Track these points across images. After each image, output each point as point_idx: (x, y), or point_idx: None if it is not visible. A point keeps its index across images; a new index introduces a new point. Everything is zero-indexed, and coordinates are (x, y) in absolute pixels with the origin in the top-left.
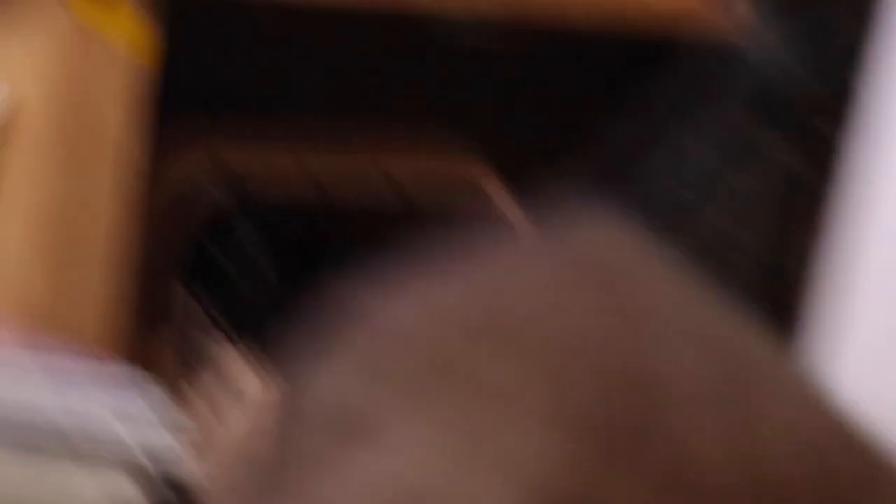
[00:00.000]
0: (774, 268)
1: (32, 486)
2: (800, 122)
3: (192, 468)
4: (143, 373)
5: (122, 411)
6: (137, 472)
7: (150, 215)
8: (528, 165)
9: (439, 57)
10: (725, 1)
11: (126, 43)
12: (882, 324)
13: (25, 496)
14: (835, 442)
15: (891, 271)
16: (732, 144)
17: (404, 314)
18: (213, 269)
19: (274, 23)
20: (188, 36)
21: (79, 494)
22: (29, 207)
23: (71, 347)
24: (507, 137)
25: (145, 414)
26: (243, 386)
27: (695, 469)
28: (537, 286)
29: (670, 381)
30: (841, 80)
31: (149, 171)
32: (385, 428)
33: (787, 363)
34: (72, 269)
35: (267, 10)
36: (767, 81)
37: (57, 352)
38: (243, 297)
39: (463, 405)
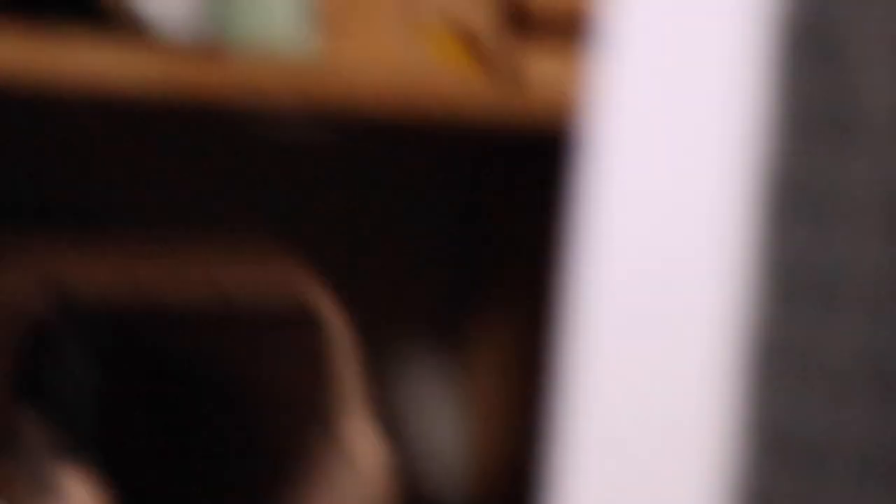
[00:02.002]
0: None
1: None
2: None
3: None
4: None
5: None
6: None
7: None
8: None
9: (254, 155)
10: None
11: None
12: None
13: None
14: None
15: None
16: None
17: None
18: (39, 383)
19: (83, 125)
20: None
21: None
22: None
23: None
24: (330, 239)
25: None
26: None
27: None
28: None
29: None
30: None
31: None
32: None
33: None
34: None
35: (77, 113)
36: None
37: None
38: (72, 410)
39: None
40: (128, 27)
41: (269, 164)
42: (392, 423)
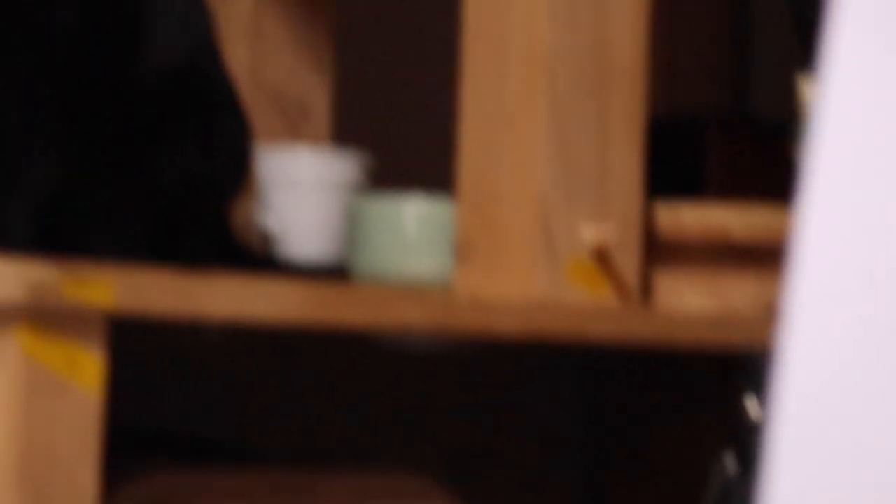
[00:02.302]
0: None
1: None
2: None
3: None
4: None
5: None
6: None
7: None
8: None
9: (380, 368)
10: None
11: (82, 381)
12: None
13: None
14: None
15: None
16: None
17: None
18: None
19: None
20: (132, 371)
21: None
22: None
23: None
24: (453, 450)
25: None
26: None
27: None
28: None
29: None
30: None
31: None
32: None
33: None
34: None
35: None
36: None
37: None
38: None
39: None
40: (268, 265)
41: (393, 376)
42: None
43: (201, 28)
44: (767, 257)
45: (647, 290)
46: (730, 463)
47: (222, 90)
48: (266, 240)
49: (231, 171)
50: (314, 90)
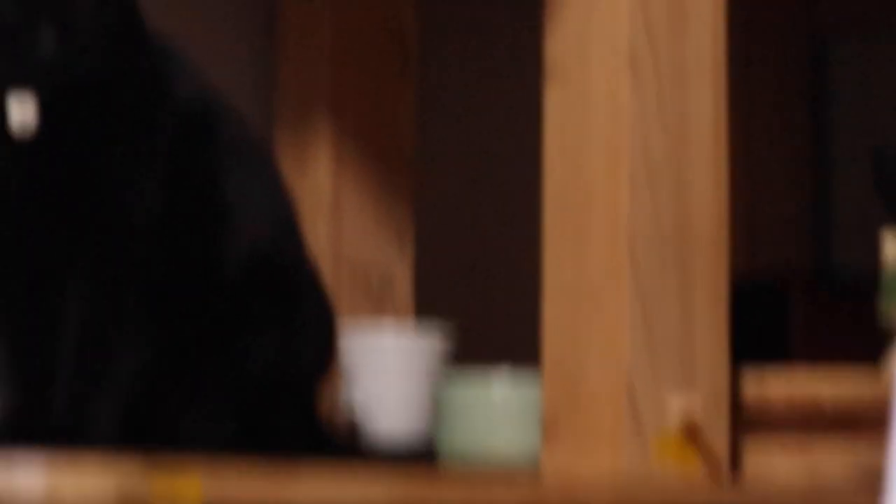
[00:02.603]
0: None
1: None
2: None
3: None
4: None
5: None
6: None
7: None
8: None
9: None
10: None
11: None
12: None
13: None
14: None
15: None
16: None
17: None
18: None
19: None
20: None
21: None
22: None
23: None
24: None
25: None
26: None
27: None
28: None
29: None
30: None
31: None
32: None
33: None
34: None
35: None
36: None
37: None
38: None
39: None
40: (355, 450)
41: None
42: None
43: (284, 212)
44: (859, 423)
45: (735, 460)
46: None
47: (305, 274)
48: (352, 419)
49: (316, 356)
50: (396, 263)
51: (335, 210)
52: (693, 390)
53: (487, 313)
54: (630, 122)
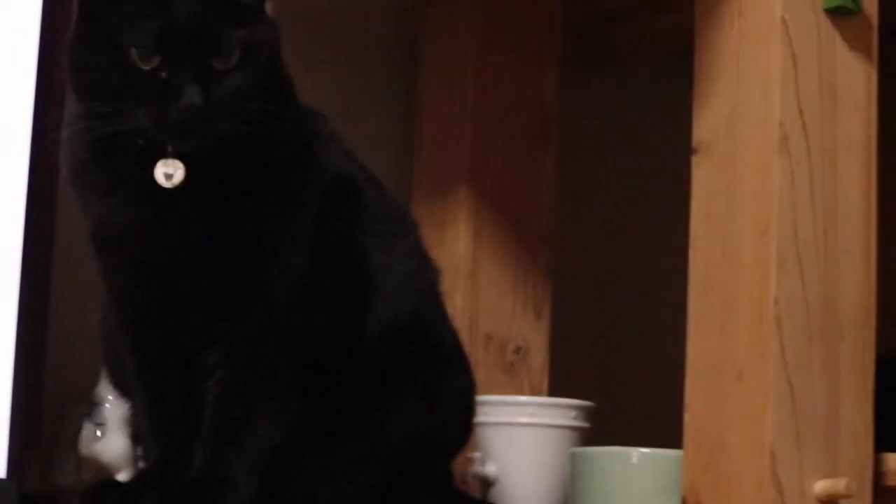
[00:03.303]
0: None
1: None
2: None
3: None
4: None
5: None
6: None
7: None
8: None
9: None
10: None
11: None
12: None
13: None
14: None
15: None
16: None
17: None
18: None
19: None
20: None
21: None
22: None
23: None
24: None
25: None
26: None
27: None
28: None
29: None
30: None
31: None
32: None
33: None
34: None
35: None
36: None
37: None
38: None
39: None
40: None
41: None
42: None
43: (427, 282)
44: None
45: None
46: None
47: (447, 343)
48: (486, 487)
49: (456, 428)
50: (532, 335)
51: (472, 280)
52: (837, 471)
53: (624, 389)
54: (779, 200)
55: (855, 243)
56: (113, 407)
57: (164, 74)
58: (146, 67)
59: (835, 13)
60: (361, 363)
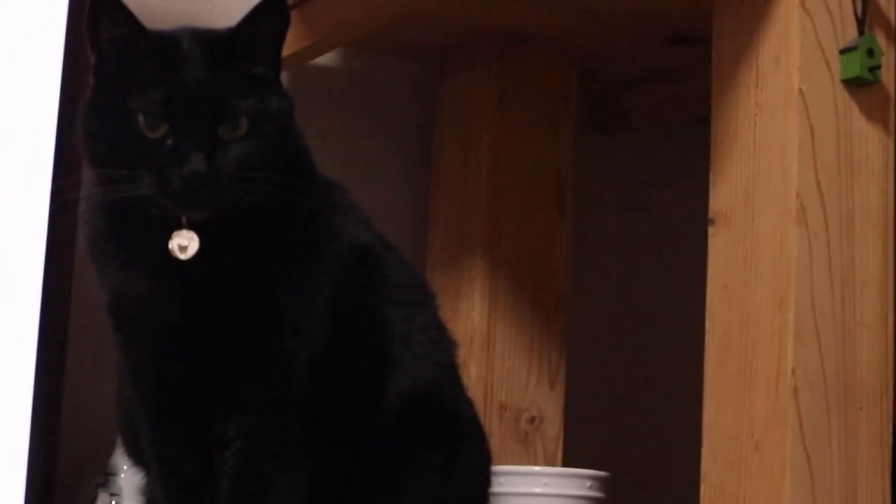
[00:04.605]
0: None
1: None
2: None
3: None
4: None
5: None
6: None
7: None
8: None
9: None
10: None
11: None
12: None
13: None
14: None
15: None
16: None
17: None
18: None
19: None
20: None
21: None
22: None
23: None
24: None
25: None
26: None
27: None
28: None
29: None
30: None
31: None
32: None
33: None
34: None
35: None
36: None
37: None
38: None
39: None
40: None
41: None
42: None
43: (445, 354)
44: None
45: None
46: None
47: (464, 415)
48: None
49: (473, 498)
50: (546, 405)
51: (487, 351)
52: None
53: (639, 459)
54: (797, 271)
55: (872, 314)
56: (127, 477)
57: (170, 142)
58: (153, 135)
59: (852, 84)
60: (379, 434)
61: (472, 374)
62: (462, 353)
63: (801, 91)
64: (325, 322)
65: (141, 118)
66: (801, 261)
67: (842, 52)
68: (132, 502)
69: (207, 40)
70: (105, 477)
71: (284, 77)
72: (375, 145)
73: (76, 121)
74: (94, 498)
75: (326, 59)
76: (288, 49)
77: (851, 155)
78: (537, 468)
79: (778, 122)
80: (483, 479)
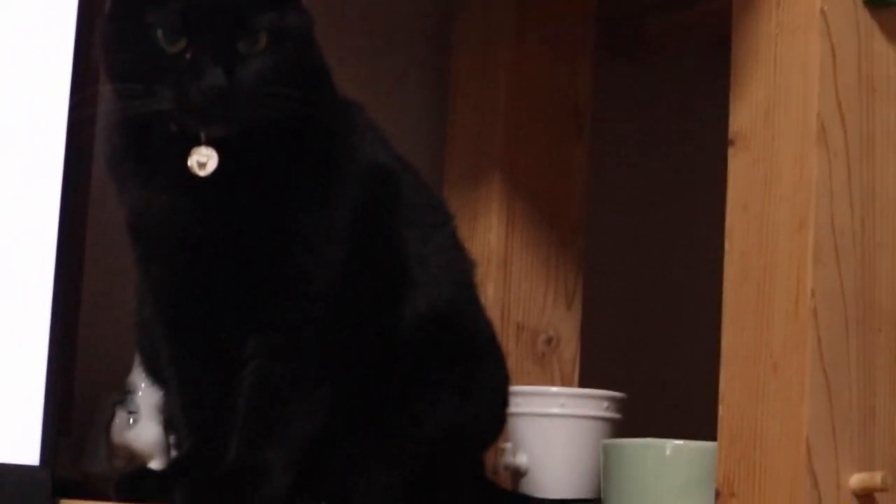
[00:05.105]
0: None
1: None
2: None
3: None
4: None
5: None
6: None
7: None
8: None
9: None
10: None
11: None
12: None
13: None
14: None
15: None
16: None
17: None
18: None
19: None
20: None
21: None
22: None
23: None
24: None
25: None
26: None
27: None
28: None
29: None
30: None
31: None
32: None
33: None
34: None
35: None
36: None
37: None
38: None
39: None
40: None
41: None
42: None
43: (463, 273)
44: None
45: None
46: None
47: (482, 336)
48: (517, 478)
49: (490, 420)
50: (563, 325)
51: (504, 271)
52: (873, 466)
53: (656, 381)
54: (817, 192)
55: (892, 236)
56: (145, 395)
57: (188, 56)
58: (172, 49)
59: (874, 5)
60: (397, 354)
61: (490, 295)
62: (479, 274)
63: (822, 11)
64: (342, 242)
65: (159, 32)
66: (822, 182)
67: None
68: (150, 420)
69: None
70: (123, 394)
71: None
72: (392, 65)
73: (94, 34)
74: (112, 415)
75: None
76: None
77: (872, 77)
78: (554, 388)
79: (799, 43)
80: (501, 401)
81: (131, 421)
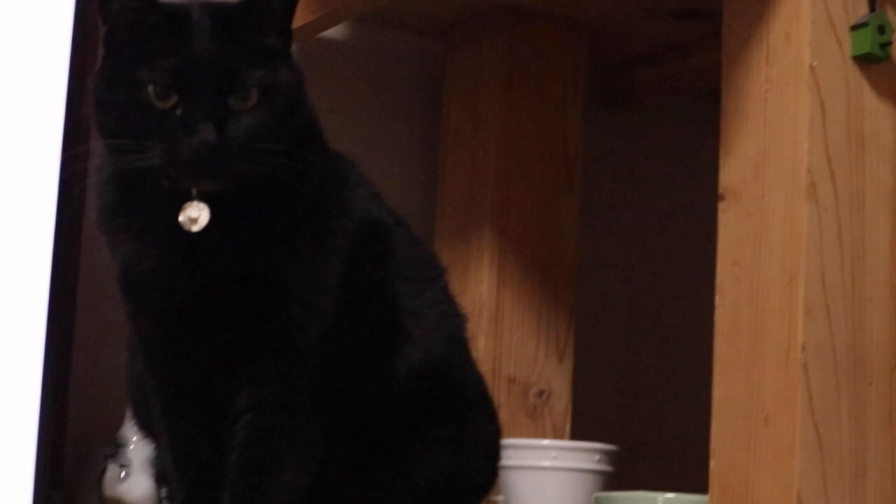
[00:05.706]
0: None
1: None
2: None
3: None
4: None
5: None
6: None
7: None
8: None
9: None
10: None
11: None
12: None
13: None
14: None
15: None
16: None
17: None
18: None
19: None
20: None
21: None
22: None
23: None
24: None
25: None
26: None
27: None
28: None
29: None
30: None
31: None
32: None
33: None
34: None
35: None
36: None
37: None
38: None
39: None
40: None
41: None
42: None
43: (455, 328)
44: None
45: None
46: None
47: (474, 389)
48: None
49: (482, 471)
50: (554, 378)
51: (495, 324)
52: None
53: (648, 433)
54: (807, 246)
55: (882, 290)
56: (137, 448)
57: (179, 112)
58: (163, 105)
59: (863, 60)
60: (390, 407)
61: (481, 348)
62: (470, 327)
63: (811, 67)
64: (334, 296)
65: (151, 88)
66: (812, 237)
67: (852, 28)
68: (142, 473)
69: (217, 12)
70: (115, 448)
71: (293, 50)
72: (384, 119)
73: (86, 91)
74: (104, 469)
75: (336, 32)
76: (297, 22)
77: (862, 131)
78: (546, 441)
79: (788, 98)
80: (492, 453)
81: (123, 474)
